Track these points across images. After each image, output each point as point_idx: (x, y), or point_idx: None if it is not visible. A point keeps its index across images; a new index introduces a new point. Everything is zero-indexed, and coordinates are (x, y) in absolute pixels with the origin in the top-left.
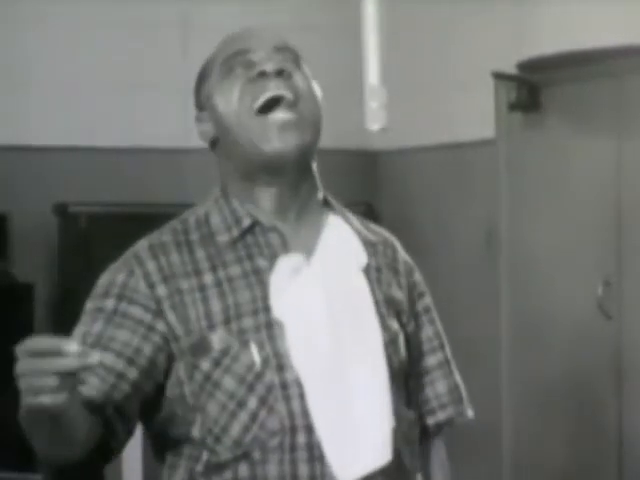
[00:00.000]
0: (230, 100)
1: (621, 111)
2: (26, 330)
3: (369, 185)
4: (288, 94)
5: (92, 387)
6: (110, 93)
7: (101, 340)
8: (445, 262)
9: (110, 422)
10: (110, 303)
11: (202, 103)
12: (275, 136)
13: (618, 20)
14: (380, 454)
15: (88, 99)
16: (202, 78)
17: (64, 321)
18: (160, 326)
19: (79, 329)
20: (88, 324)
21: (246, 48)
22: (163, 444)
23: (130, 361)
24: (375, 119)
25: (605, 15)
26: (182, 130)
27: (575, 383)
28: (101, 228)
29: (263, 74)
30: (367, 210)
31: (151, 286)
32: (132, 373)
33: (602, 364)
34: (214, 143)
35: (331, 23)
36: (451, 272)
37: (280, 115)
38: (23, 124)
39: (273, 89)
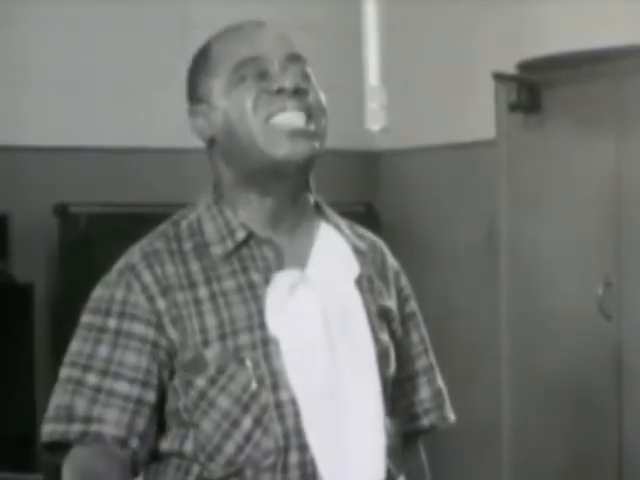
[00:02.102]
0: (243, 110)
1: (622, 112)
2: (26, 330)
3: (369, 185)
4: (302, 117)
5: (115, 422)
6: (110, 93)
7: (110, 366)
8: (445, 262)
9: (136, 454)
10: (112, 322)
11: (199, 96)
12: (286, 143)
13: (619, 20)
14: (373, 471)
15: (88, 99)
16: (200, 69)
17: (64, 321)
18: (163, 342)
19: (78, 346)
20: (90, 344)
21: (258, 55)
22: (150, 452)
23: (145, 384)
24: (375, 119)
25: (606, 15)
26: (182, 130)
27: (575, 383)
28: (101, 228)
29: (281, 91)
30: (367, 210)
31: (150, 299)
32: (149, 396)
33: (602, 364)
34: (210, 142)
35: (331, 23)
36: (451, 272)
37: (292, 121)
38: (23, 124)
39: (291, 109)
